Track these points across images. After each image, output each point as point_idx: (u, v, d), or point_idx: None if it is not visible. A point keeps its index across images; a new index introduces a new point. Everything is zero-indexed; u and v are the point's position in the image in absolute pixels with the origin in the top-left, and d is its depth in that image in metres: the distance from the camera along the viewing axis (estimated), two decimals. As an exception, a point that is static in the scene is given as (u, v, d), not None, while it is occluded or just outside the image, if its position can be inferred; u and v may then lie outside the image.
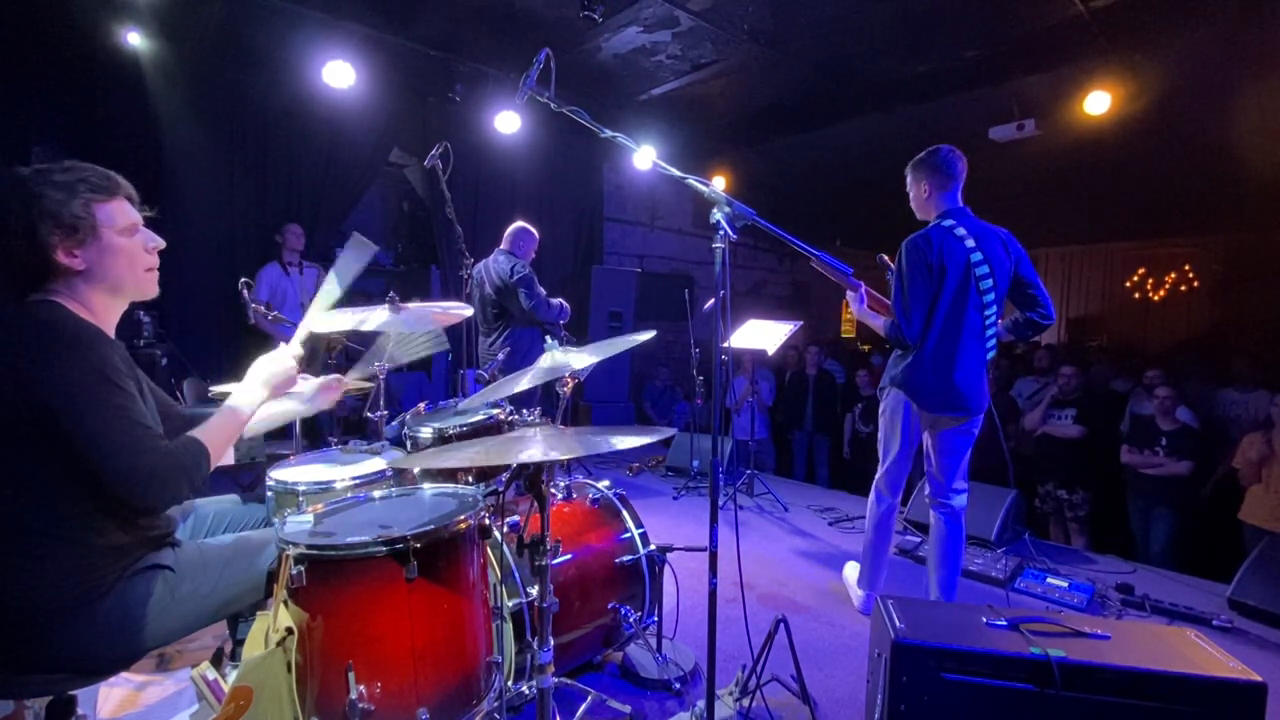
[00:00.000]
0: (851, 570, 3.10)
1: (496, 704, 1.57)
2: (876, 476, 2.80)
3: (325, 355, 4.54)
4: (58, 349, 1.24)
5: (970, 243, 2.50)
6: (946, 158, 2.57)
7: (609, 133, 1.78)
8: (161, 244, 1.46)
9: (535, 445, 1.43)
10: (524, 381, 1.78)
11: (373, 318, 2.27)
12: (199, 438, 1.39)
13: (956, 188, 2.60)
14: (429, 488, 1.81)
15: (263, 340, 4.51)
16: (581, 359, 1.80)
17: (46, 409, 1.23)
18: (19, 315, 1.29)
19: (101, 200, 1.33)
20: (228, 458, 1.55)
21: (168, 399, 1.65)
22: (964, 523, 2.65)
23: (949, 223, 2.54)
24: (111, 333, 1.43)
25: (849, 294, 2.76)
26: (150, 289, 1.45)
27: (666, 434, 1.63)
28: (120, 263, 1.37)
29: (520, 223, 4.22)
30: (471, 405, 2.31)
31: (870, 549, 2.84)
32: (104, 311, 1.40)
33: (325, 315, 2.00)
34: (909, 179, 2.70)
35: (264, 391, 1.56)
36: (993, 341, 2.57)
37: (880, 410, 2.77)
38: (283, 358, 1.62)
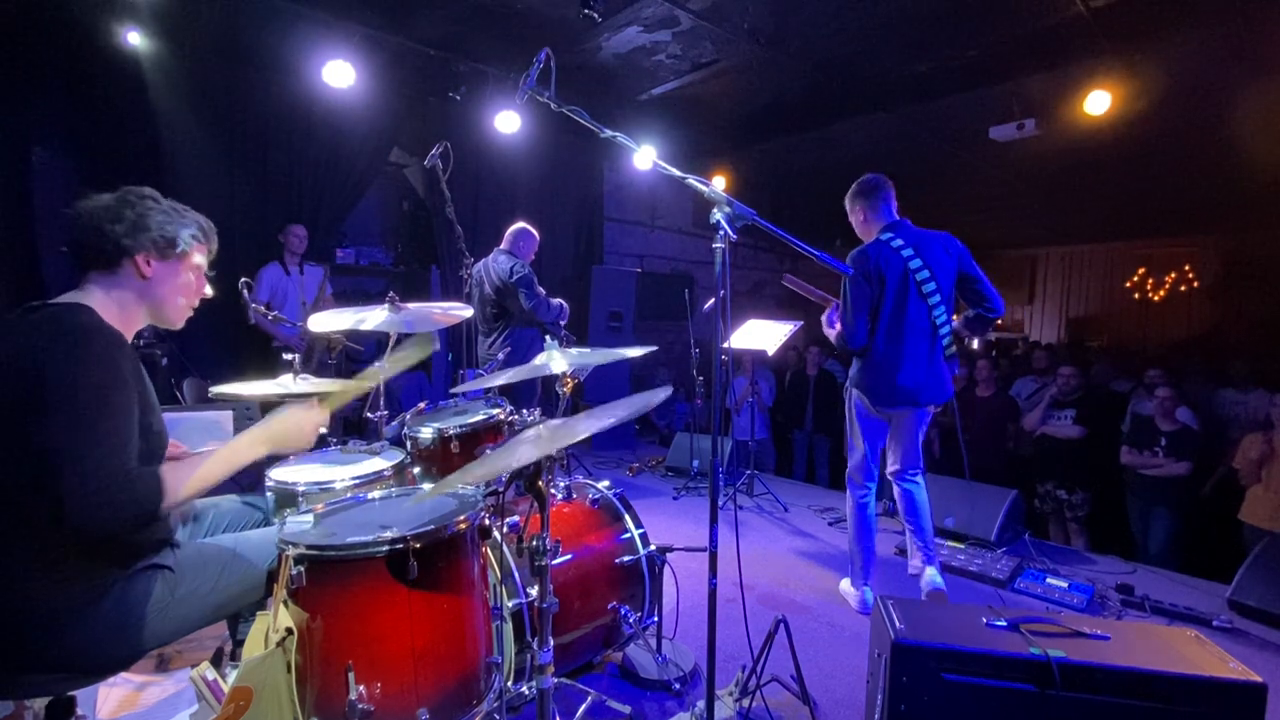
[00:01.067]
0: (847, 584, 3.13)
1: (496, 704, 1.57)
2: (849, 472, 2.99)
3: (325, 355, 4.54)
4: (81, 344, 1.29)
5: (908, 251, 2.72)
6: (872, 181, 2.87)
7: (609, 133, 1.78)
8: (210, 295, 1.63)
9: (530, 445, 1.42)
10: (509, 376, 1.78)
11: (372, 317, 2.27)
12: (162, 476, 1.32)
13: (888, 206, 2.85)
14: (429, 488, 1.81)
15: (263, 340, 4.51)
16: (563, 363, 1.79)
17: (43, 392, 1.23)
18: (51, 314, 1.33)
19: (200, 242, 1.56)
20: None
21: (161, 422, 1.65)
22: (924, 488, 2.91)
23: (886, 235, 2.78)
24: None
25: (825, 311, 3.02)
26: (178, 321, 1.59)
27: (663, 394, 1.63)
28: (178, 291, 1.53)
29: (521, 223, 4.23)
30: (462, 390, 2.30)
31: (855, 540, 2.96)
32: (131, 320, 1.48)
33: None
34: (848, 208, 2.95)
35: (266, 449, 1.53)
36: (948, 338, 2.76)
37: (845, 410, 3.00)
38: (307, 422, 1.59)
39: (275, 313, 2.93)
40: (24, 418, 1.24)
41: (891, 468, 2.96)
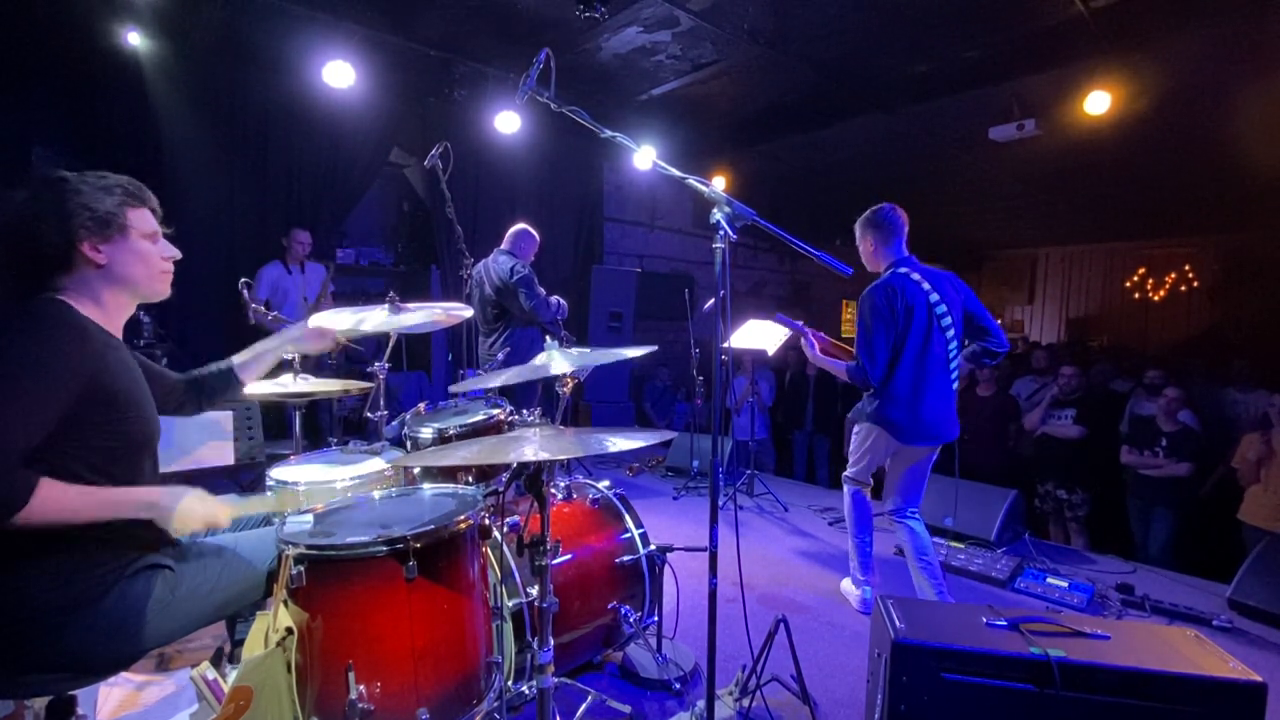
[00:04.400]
0: (848, 583, 3.13)
1: (496, 704, 1.57)
2: (846, 473, 2.98)
3: (325, 355, 4.54)
4: (28, 326, 1.27)
5: (927, 286, 2.73)
6: (888, 214, 2.82)
7: (609, 133, 1.78)
8: (178, 255, 1.53)
9: (533, 445, 1.43)
10: (509, 376, 1.78)
11: (373, 317, 2.27)
12: (41, 483, 1.21)
13: (900, 241, 2.82)
14: (429, 488, 1.81)
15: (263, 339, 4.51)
16: (564, 364, 1.80)
17: None
18: (22, 310, 1.32)
19: (133, 205, 1.43)
20: (226, 457, 1.53)
21: (166, 374, 1.65)
22: (925, 528, 2.84)
23: (904, 269, 2.76)
24: (119, 333, 1.46)
25: (802, 341, 3.01)
26: (163, 290, 1.51)
27: (664, 436, 1.63)
28: (139, 264, 1.44)
29: (522, 225, 4.23)
30: (461, 390, 2.30)
31: (854, 539, 2.95)
32: (114, 310, 1.45)
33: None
34: (857, 234, 2.91)
35: (148, 515, 1.36)
36: (955, 373, 2.78)
37: (854, 430, 2.97)
38: (201, 515, 1.42)
39: (275, 313, 2.93)
40: None
41: (893, 504, 2.88)
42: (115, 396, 1.35)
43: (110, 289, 1.42)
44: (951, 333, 2.72)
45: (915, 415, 2.71)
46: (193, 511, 1.40)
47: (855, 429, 2.95)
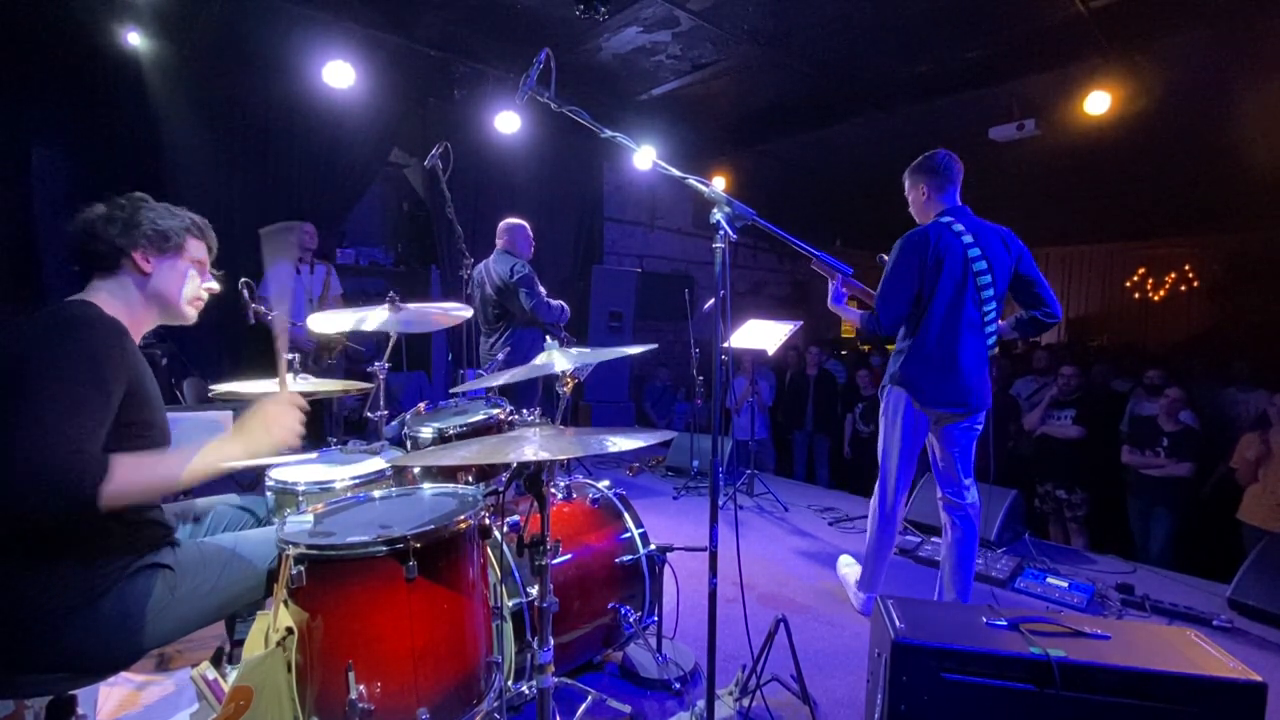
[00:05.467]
0: (846, 565, 3.09)
1: (496, 704, 1.57)
2: (880, 479, 2.74)
3: (325, 356, 4.54)
4: (71, 327, 1.31)
5: (969, 239, 2.51)
6: (944, 160, 2.62)
7: (609, 133, 1.78)
8: (216, 289, 1.65)
9: (533, 445, 1.43)
10: (512, 375, 1.78)
11: (373, 318, 2.27)
12: (113, 459, 1.22)
13: (954, 189, 2.63)
14: (429, 488, 1.81)
15: (264, 339, 4.50)
16: (566, 361, 1.80)
17: (21, 373, 1.22)
18: (55, 309, 1.36)
19: (195, 236, 1.58)
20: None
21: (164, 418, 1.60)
22: (978, 523, 2.64)
23: (947, 219, 2.56)
24: (137, 340, 1.50)
25: (830, 285, 2.74)
26: (192, 316, 1.62)
27: (664, 436, 1.63)
28: (179, 286, 1.55)
29: (512, 219, 4.15)
30: (463, 390, 2.30)
31: (873, 553, 2.80)
32: (141, 320, 1.52)
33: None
34: (907, 184, 2.73)
35: (240, 452, 1.38)
36: (993, 339, 2.58)
37: (881, 410, 2.74)
38: (283, 413, 1.43)
39: (275, 313, 2.92)
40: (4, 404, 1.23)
41: (942, 493, 2.66)
42: (149, 400, 1.42)
43: (145, 299, 1.50)
44: (990, 292, 2.50)
45: (942, 377, 2.51)
46: (275, 416, 1.42)
47: (883, 400, 2.73)
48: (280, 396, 1.47)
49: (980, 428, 2.64)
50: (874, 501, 2.79)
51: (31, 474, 1.16)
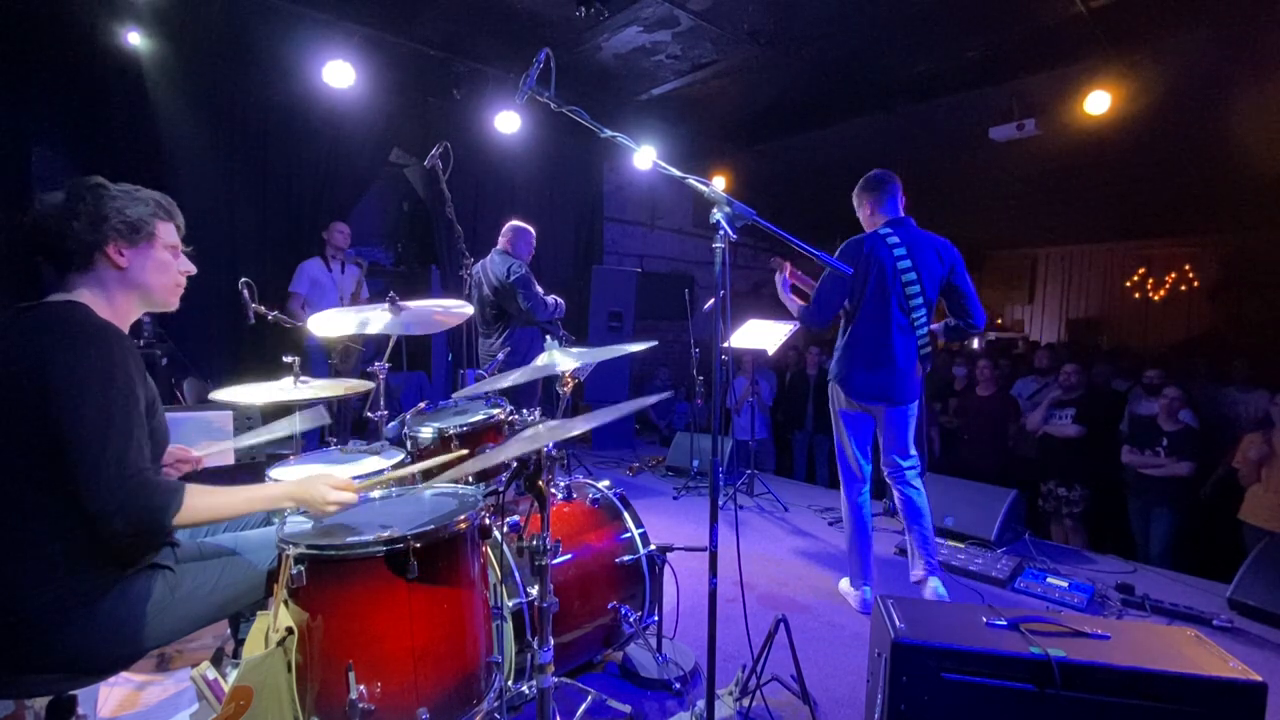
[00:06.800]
0: (847, 584, 3.12)
1: (496, 704, 1.57)
2: (840, 470, 2.99)
3: (353, 355, 4.54)
4: (80, 340, 1.30)
5: (901, 250, 2.76)
6: (877, 176, 2.91)
7: (609, 133, 1.78)
8: (193, 270, 1.58)
9: (529, 441, 1.43)
10: (515, 378, 1.78)
11: (373, 318, 2.27)
12: (186, 489, 1.32)
13: (893, 201, 2.88)
14: (429, 487, 1.81)
15: (264, 339, 4.50)
16: (569, 361, 1.80)
17: (46, 391, 1.23)
18: (45, 313, 1.33)
19: (163, 219, 1.51)
20: (226, 457, 1.53)
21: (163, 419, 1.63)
22: (920, 486, 2.87)
23: (884, 231, 2.83)
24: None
25: (777, 276, 3.08)
26: (173, 302, 1.57)
27: (661, 396, 1.63)
28: (158, 273, 1.50)
29: (516, 221, 4.19)
30: (464, 394, 2.30)
31: (851, 545, 2.94)
32: (125, 313, 1.48)
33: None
34: (855, 204, 3.00)
35: (288, 505, 1.49)
36: (924, 339, 2.81)
37: (829, 404, 3.01)
38: (333, 496, 1.47)
39: (274, 313, 2.92)
40: (27, 419, 1.24)
41: (884, 469, 2.93)
42: (154, 401, 1.42)
43: (124, 292, 1.46)
44: (920, 300, 2.74)
45: (864, 373, 2.79)
46: (325, 496, 1.47)
47: (830, 396, 3.00)
48: (344, 483, 1.51)
49: (913, 413, 2.87)
50: (842, 496, 2.99)
51: (119, 504, 1.22)
